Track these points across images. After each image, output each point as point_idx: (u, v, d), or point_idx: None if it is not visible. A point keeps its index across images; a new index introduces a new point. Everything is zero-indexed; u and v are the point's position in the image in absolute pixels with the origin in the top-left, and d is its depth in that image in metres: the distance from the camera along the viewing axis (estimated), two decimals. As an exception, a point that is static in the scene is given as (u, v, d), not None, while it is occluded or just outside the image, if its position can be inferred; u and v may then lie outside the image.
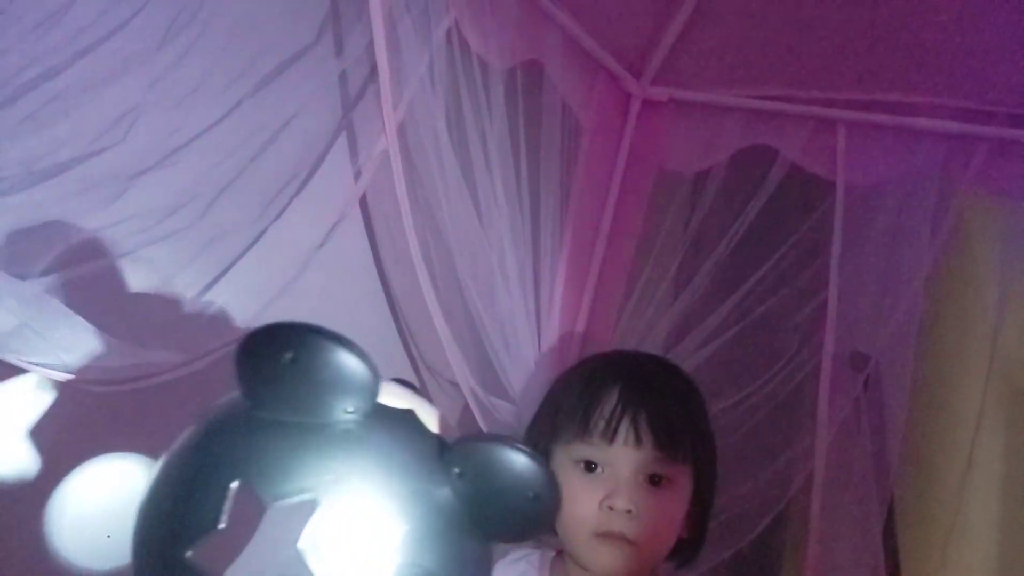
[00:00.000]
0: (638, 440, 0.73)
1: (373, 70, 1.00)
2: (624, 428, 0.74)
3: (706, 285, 1.30)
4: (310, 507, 0.48)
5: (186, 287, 0.84)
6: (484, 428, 1.18)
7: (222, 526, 0.48)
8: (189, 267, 0.85)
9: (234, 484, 0.49)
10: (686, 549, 0.80)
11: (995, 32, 1.15)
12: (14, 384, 0.74)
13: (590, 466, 0.75)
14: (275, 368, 0.51)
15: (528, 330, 1.18)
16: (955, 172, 1.25)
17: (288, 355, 0.50)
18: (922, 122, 1.25)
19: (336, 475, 0.50)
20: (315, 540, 0.48)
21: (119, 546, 0.74)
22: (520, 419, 1.22)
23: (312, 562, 0.47)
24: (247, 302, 0.87)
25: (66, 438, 0.78)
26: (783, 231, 1.32)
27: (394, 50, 0.97)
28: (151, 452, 0.62)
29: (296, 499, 0.49)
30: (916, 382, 1.30)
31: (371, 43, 0.96)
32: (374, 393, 0.53)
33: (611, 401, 0.75)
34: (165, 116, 0.82)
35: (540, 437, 0.81)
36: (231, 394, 0.55)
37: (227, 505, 0.48)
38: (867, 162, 1.29)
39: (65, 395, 0.76)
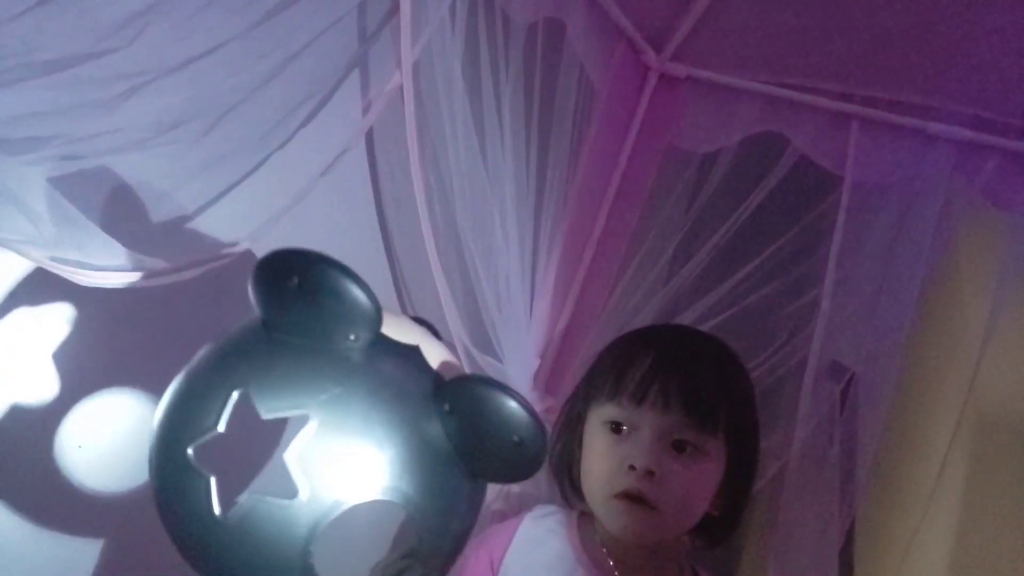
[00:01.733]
0: (667, 404, 0.73)
1: (394, 7, 0.98)
2: (654, 391, 0.74)
3: (702, 268, 1.29)
4: (301, 422, 0.48)
5: (185, 202, 0.82)
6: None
7: (221, 430, 0.52)
8: (189, 183, 0.83)
9: (235, 393, 0.52)
10: (715, 528, 0.79)
11: (1018, 42, 1.14)
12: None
13: (618, 428, 0.75)
14: (282, 292, 0.54)
15: (522, 291, 1.17)
16: (962, 181, 1.25)
17: (294, 280, 0.53)
18: (935, 126, 1.24)
19: (329, 396, 0.52)
20: (301, 453, 0.49)
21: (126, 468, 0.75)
22: (506, 380, 1.21)
23: (295, 473, 0.47)
24: (242, 224, 0.85)
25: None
26: (784, 222, 1.31)
27: (417, -12, 0.95)
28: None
29: (288, 413, 0.51)
30: (893, 398, 1.30)
31: (396, -23, 0.93)
32: (375, 324, 0.55)
33: (644, 364, 0.76)
34: (177, 26, 0.79)
35: (576, 401, 0.81)
36: (252, 315, 0.57)
37: (226, 412, 0.51)
38: (876, 161, 1.28)
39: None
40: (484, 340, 1.18)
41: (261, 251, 0.90)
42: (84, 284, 0.72)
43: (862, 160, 1.29)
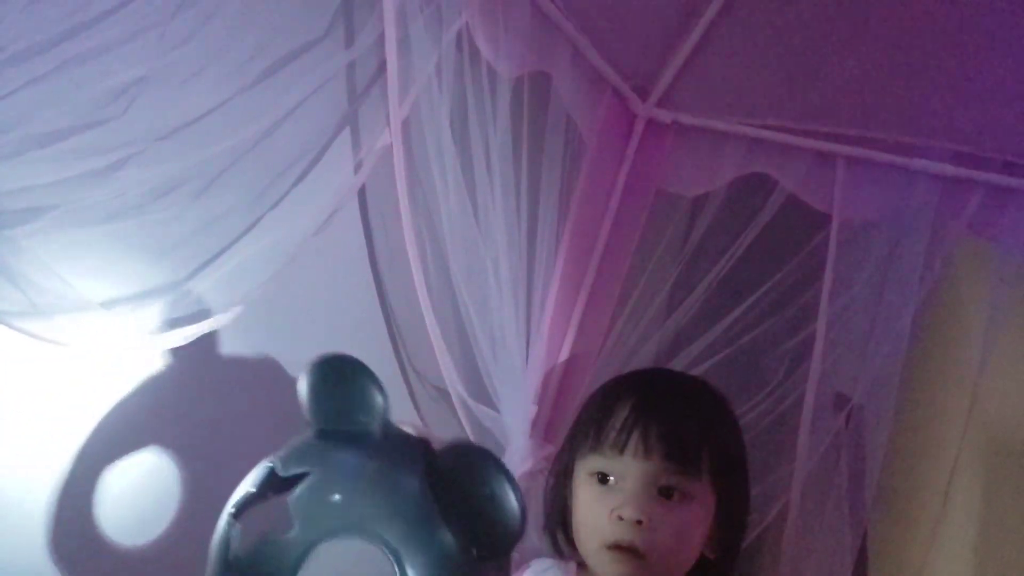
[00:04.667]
0: (648, 450, 0.73)
1: (381, 66, 1.00)
2: (634, 439, 0.74)
3: (697, 308, 1.30)
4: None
5: (176, 267, 0.83)
6: (471, 434, 1.17)
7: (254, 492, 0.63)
8: (182, 247, 0.84)
9: (267, 464, 0.63)
10: (712, 570, 0.78)
11: (995, 79, 1.17)
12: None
13: (604, 478, 0.75)
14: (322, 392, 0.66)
15: (517, 339, 1.18)
16: (949, 215, 1.26)
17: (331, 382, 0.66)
18: (918, 163, 1.26)
19: (332, 456, 0.62)
20: (298, 497, 0.59)
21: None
22: (503, 429, 1.21)
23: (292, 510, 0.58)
24: (236, 287, 0.86)
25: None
26: (776, 260, 1.33)
27: (404, 47, 0.97)
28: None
29: (295, 472, 0.60)
30: (895, 425, 1.30)
31: (382, 37, 0.96)
32: (384, 411, 0.64)
33: (623, 412, 0.76)
34: (168, 93, 0.81)
35: (563, 454, 0.82)
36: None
37: (261, 481, 0.63)
38: (863, 198, 1.30)
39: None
40: (480, 390, 1.18)
41: (256, 313, 0.93)
42: (76, 353, 0.73)
43: (849, 198, 1.31)
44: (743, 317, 1.29)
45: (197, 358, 0.86)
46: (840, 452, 1.28)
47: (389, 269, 1.08)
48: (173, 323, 0.81)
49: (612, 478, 0.74)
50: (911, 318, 1.27)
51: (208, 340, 0.87)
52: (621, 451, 0.74)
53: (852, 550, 1.27)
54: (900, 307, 1.27)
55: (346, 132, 1.01)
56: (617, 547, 0.72)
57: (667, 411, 0.75)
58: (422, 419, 1.21)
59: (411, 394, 1.18)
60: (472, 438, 1.13)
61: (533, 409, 1.27)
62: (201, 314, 0.83)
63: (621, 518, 0.72)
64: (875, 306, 1.29)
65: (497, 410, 1.17)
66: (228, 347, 0.91)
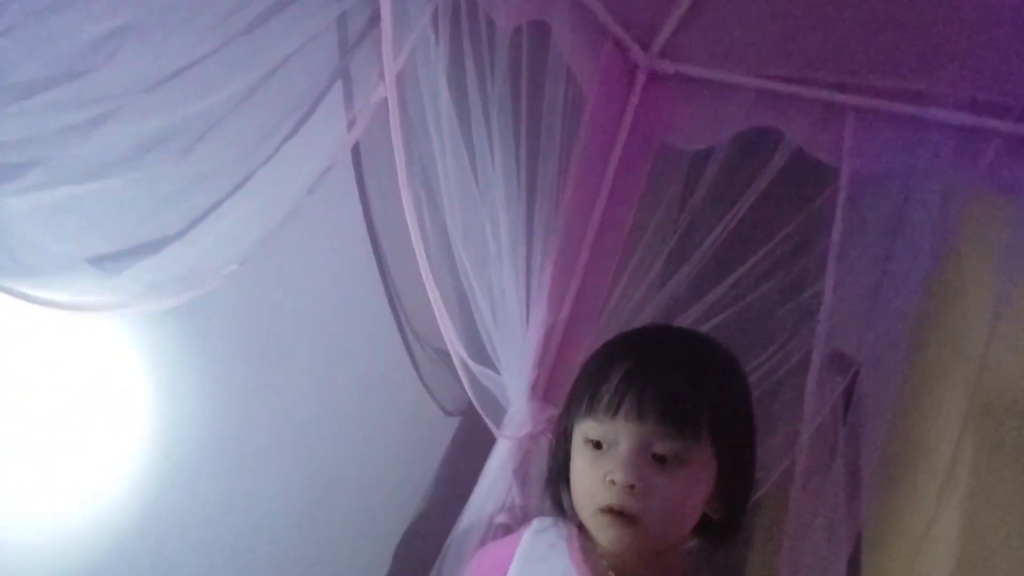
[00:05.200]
0: (641, 414, 0.71)
1: (374, 16, 0.96)
2: (627, 402, 0.71)
3: (700, 267, 1.27)
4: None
5: (166, 226, 0.81)
6: (472, 396, 1.15)
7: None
8: (170, 205, 0.81)
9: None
10: (717, 530, 0.77)
11: (1014, 25, 1.12)
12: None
13: (598, 444, 0.73)
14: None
15: (517, 301, 1.15)
16: (964, 167, 1.22)
17: None
18: (933, 112, 1.22)
19: None
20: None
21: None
22: (504, 390, 1.19)
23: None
24: (228, 247, 0.84)
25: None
26: (783, 217, 1.29)
27: (399, -4, 0.93)
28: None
29: None
30: (900, 386, 1.28)
31: (375, -15, 0.92)
32: None
33: (617, 376, 0.73)
34: (152, 45, 0.78)
35: (563, 416, 0.80)
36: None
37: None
38: (874, 151, 1.26)
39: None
40: (481, 351, 1.16)
41: (250, 273, 0.90)
42: (67, 316, 0.71)
43: (859, 150, 1.27)
44: (748, 275, 1.26)
45: (188, 320, 0.84)
46: (839, 418, 1.26)
47: (386, 229, 1.06)
48: (164, 283, 0.79)
49: (606, 442, 0.73)
50: (922, 276, 1.24)
51: (200, 302, 0.84)
52: (614, 415, 0.72)
53: (854, 513, 1.25)
54: (910, 264, 1.24)
55: (338, 87, 0.98)
56: (610, 511, 0.71)
57: (663, 372, 0.73)
58: (423, 381, 1.20)
59: (411, 356, 1.16)
60: (473, 399, 1.11)
61: (534, 372, 1.25)
62: (192, 275, 0.81)
63: (614, 482, 0.71)
64: (884, 263, 1.26)
65: (498, 371, 1.16)
66: (219, 311, 0.89)
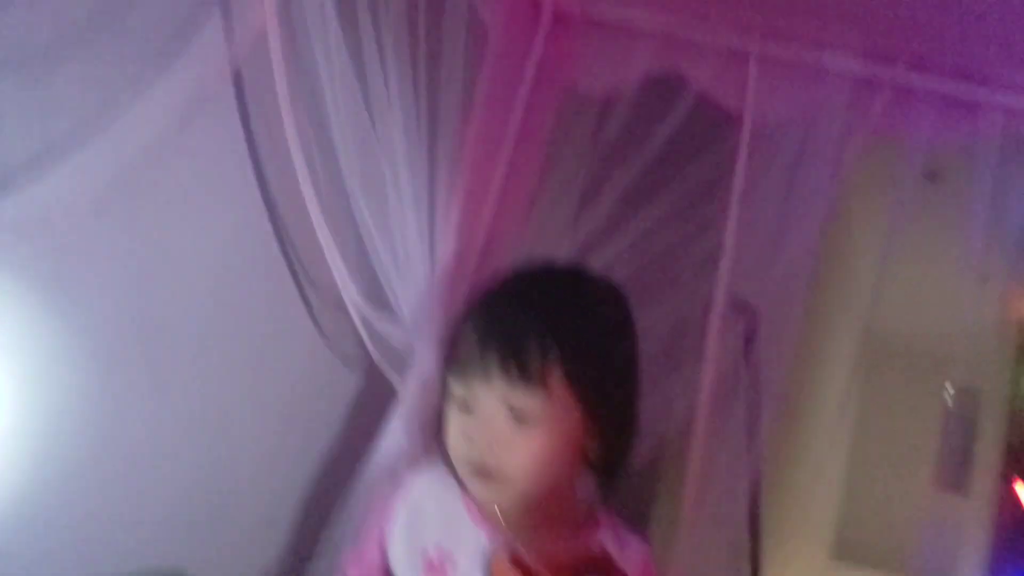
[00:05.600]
0: (487, 373, 0.70)
1: (253, -65, 0.88)
2: (476, 361, 0.70)
3: (610, 210, 1.26)
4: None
5: (11, 159, 0.72)
6: (370, 346, 1.11)
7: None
8: (19, 136, 0.73)
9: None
10: (602, 473, 0.76)
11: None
12: None
13: (464, 402, 0.72)
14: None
15: (421, 245, 1.11)
16: (858, 114, 1.25)
17: None
18: (828, 58, 1.24)
19: None
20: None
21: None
22: (406, 340, 1.16)
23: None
24: (86, 183, 0.76)
25: None
26: (687, 163, 1.30)
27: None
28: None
29: None
30: (798, 329, 1.32)
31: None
32: None
33: (469, 334, 0.73)
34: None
35: (440, 374, 0.78)
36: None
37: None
38: (775, 98, 1.27)
39: None
40: (382, 298, 1.11)
41: (120, 215, 0.82)
42: None
43: (761, 98, 1.27)
44: (656, 218, 1.26)
45: (48, 259, 0.76)
46: (739, 362, 1.29)
47: (273, 169, 0.99)
48: (15, 221, 0.71)
49: (469, 401, 0.72)
50: (819, 222, 1.27)
51: (61, 244, 0.77)
52: (467, 374, 0.71)
53: (755, 452, 1.29)
54: (810, 210, 1.27)
55: (216, 14, 0.90)
56: (473, 468, 0.71)
57: (506, 327, 0.71)
58: (320, 332, 1.15)
59: (307, 305, 1.11)
60: (371, 350, 1.07)
61: (442, 321, 1.22)
62: (45, 217, 0.73)
63: (474, 441, 0.71)
64: (784, 209, 1.29)
65: (399, 321, 1.12)
66: (83, 252, 0.81)
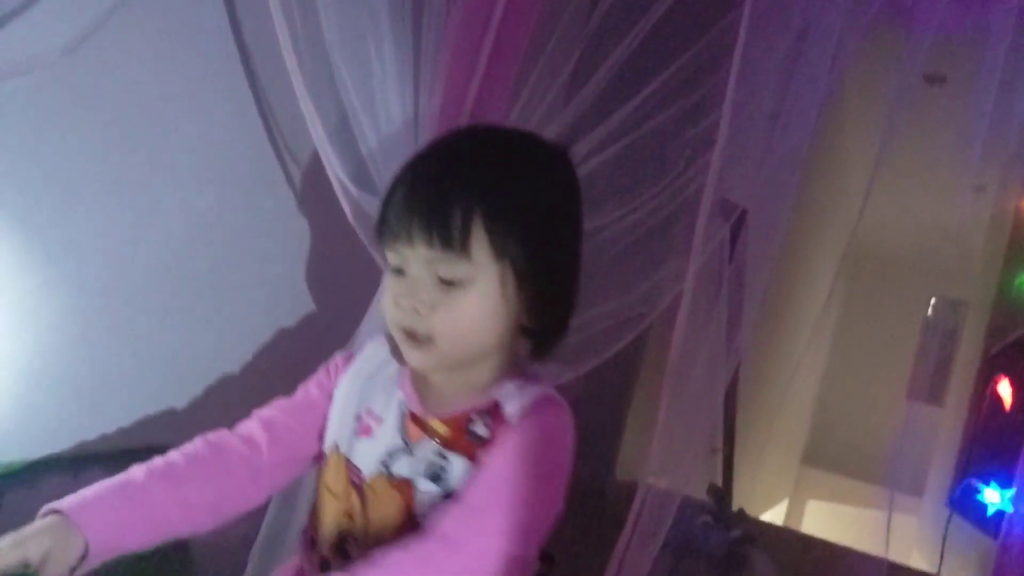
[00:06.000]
0: (412, 238, 0.69)
1: None
2: (400, 227, 0.70)
3: (601, 91, 1.22)
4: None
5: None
6: (352, 221, 1.09)
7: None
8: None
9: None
10: (536, 338, 0.76)
11: None
12: None
13: (397, 268, 0.72)
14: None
15: (403, 117, 1.07)
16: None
17: None
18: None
19: None
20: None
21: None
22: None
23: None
24: (51, 30, 0.72)
25: None
26: (684, 43, 1.25)
27: None
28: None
29: None
30: (786, 229, 1.31)
31: None
32: None
33: (396, 199, 0.72)
34: None
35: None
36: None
37: None
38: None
39: None
40: (366, 177, 1.09)
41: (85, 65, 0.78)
42: None
43: (763, -25, 1.21)
44: (648, 101, 1.22)
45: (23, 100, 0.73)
46: (724, 258, 1.28)
47: (254, 37, 0.94)
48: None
49: (402, 268, 0.72)
50: (815, 114, 1.24)
51: (36, 84, 0.73)
52: (395, 241, 0.71)
53: (735, 346, 1.30)
54: (806, 100, 1.23)
55: None
56: (404, 332, 0.71)
57: (430, 194, 0.70)
58: (299, 200, 1.12)
59: (288, 181, 1.09)
60: (354, 224, 1.05)
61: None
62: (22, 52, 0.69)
63: (402, 306, 0.71)
64: (780, 98, 1.25)
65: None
66: (58, 95, 0.77)
